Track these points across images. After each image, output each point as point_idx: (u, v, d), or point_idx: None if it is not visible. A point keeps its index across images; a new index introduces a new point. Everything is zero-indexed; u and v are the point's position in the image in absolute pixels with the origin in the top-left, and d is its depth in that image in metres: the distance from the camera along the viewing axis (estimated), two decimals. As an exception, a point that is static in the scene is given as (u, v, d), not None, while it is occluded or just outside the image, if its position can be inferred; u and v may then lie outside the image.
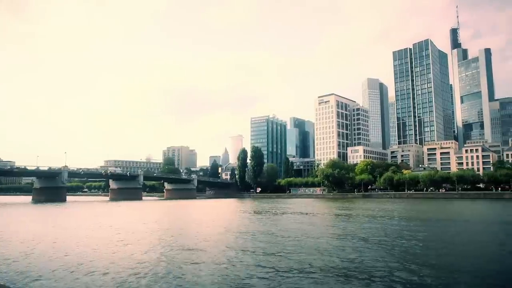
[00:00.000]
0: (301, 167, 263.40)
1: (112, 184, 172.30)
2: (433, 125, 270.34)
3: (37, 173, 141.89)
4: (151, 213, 77.43)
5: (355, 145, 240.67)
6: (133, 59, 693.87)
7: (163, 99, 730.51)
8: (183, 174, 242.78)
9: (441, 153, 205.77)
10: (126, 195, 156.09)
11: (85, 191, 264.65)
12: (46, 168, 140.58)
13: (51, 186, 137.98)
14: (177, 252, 26.81)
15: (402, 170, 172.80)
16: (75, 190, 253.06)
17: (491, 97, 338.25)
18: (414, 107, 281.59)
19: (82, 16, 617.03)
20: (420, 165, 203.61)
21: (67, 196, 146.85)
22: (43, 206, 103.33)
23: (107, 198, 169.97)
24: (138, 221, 55.56)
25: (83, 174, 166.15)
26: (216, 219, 62.02)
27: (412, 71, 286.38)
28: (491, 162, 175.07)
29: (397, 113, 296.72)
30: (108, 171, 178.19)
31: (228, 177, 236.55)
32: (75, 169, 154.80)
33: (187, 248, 28.23)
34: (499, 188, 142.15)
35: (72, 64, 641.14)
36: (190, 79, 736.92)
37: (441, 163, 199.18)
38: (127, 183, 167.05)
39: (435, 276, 19.59)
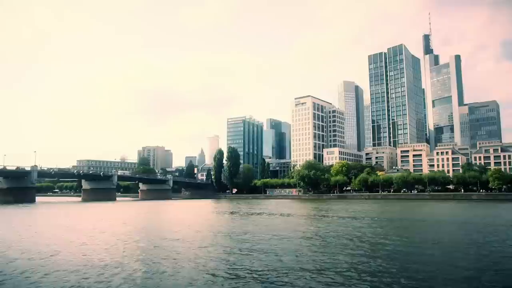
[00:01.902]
0: (277, 168, 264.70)
1: (85, 185, 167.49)
2: (406, 128, 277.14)
3: (4, 173, 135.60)
4: (122, 214, 75.74)
5: (330, 147, 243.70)
6: (108, 59, 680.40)
7: (139, 99, 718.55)
8: (159, 174, 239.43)
9: (413, 155, 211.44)
10: (100, 195, 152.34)
11: (56, 192, 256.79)
12: (13, 168, 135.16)
13: (19, 187, 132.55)
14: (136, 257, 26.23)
15: (377, 172, 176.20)
16: (46, 190, 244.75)
17: (461, 102, 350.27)
18: (388, 110, 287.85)
19: (56, 13, 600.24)
20: (394, 167, 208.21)
21: (36, 197, 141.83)
22: (9, 207, 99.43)
23: (79, 199, 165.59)
24: (106, 222, 54.22)
25: (54, 174, 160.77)
26: (190, 220, 61.31)
27: (386, 75, 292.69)
28: (460, 164, 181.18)
29: (372, 116, 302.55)
30: (81, 171, 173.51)
31: (204, 177, 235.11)
32: (46, 168, 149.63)
33: (151, 253, 27.66)
34: (462, 190, 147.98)
35: (45, 62, 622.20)
36: (167, 79, 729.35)
37: (413, 165, 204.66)
38: (100, 183, 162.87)
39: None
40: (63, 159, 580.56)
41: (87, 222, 56.37)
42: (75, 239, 34.63)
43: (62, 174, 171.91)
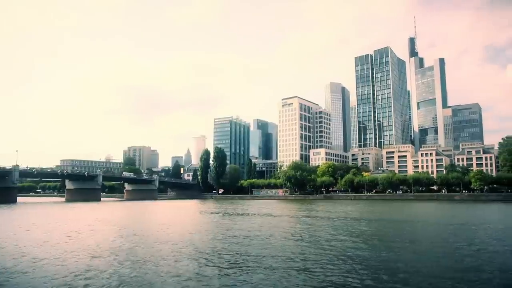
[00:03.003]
0: (264, 168, 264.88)
1: (69, 185, 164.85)
2: (392, 130, 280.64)
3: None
4: (105, 215, 74.74)
5: (317, 148, 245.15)
6: (96, 58, 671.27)
7: (127, 98, 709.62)
8: (144, 174, 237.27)
9: (399, 157, 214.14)
10: (84, 196, 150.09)
11: (39, 192, 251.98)
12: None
13: (0, 187, 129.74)
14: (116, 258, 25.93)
15: (362, 173, 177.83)
16: (28, 190, 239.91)
17: (445, 104, 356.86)
18: (374, 112, 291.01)
19: (40, 10, 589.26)
20: (379, 168, 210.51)
21: (18, 197, 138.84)
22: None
23: (63, 199, 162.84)
24: (88, 223, 53.46)
25: (36, 174, 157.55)
26: (174, 221, 60.94)
27: (372, 77, 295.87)
28: (444, 165, 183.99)
29: (358, 117, 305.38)
30: (65, 171, 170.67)
31: (191, 178, 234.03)
32: (28, 168, 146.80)
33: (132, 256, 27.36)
34: (445, 190, 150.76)
35: (31, 61, 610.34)
36: (155, 79, 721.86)
37: (398, 166, 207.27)
38: (84, 183, 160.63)
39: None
40: (47, 158, 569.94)
41: (69, 222, 55.42)
42: (52, 239, 34.04)
43: (45, 174, 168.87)
